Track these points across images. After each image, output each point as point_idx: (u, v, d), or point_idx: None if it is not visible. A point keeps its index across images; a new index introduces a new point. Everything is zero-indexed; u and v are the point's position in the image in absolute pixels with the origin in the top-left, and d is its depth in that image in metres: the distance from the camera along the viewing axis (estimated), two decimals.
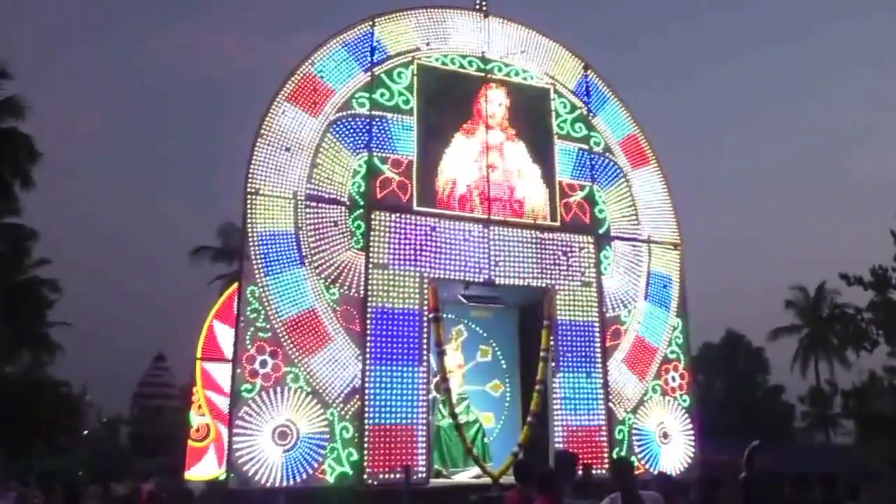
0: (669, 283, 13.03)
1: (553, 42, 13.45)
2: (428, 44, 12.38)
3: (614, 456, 11.50)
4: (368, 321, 10.64)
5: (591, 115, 13.28)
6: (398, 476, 10.07)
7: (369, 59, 11.86)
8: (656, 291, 12.88)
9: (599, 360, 11.97)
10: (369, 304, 10.71)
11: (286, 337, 10.15)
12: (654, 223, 13.19)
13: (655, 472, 11.14)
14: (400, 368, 10.64)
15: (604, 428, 11.73)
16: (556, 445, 11.27)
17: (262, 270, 10.26)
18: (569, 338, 11.91)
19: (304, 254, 10.53)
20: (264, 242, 10.37)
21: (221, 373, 13.53)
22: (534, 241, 12.04)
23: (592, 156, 13.01)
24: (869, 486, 23.33)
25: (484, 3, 13.13)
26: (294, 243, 10.52)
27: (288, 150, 10.93)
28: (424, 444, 10.59)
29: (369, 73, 11.77)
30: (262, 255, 10.31)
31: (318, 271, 10.54)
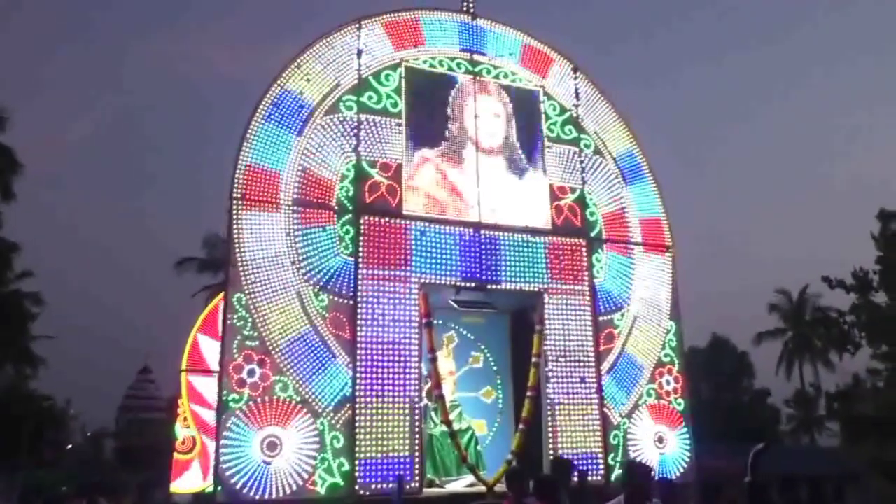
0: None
1: (542, 44, 13.33)
2: (416, 46, 12.24)
3: (610, 461, 11.38)
4: (359, 328, 10.44)
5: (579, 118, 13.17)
6: (391, 486, 9.87)
7: (357, 61, 11.69)
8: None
9: (593, 364, 11.80)
10: (359, 311, 10.51)
11: (274, 345, 9.94)
12: (646, 225, 13.07)
13: (656, 478, 10.98)
14: (391, 376, 10.44)
15: (598, 433, 11.56)
16: (550, 452, 11.11)
17: (248, 277, 10.05)
18: (561, 343, 11.74)
19: (291, 260, 10.33)
20: (250, 248, 10.17)
21: (207, 387, 13.32)
22: (525, 244, 11.88)
23: (583, 158, 12.88)
24: (854, 486, 23.41)
25: (472, 5, 13.00)
26: (281, 249, 10.33)
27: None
28: (417, 453, 10.39)
29: (357, 76, 11.60)
30: (249, 262, 10.10)
31: (306, 278, 10.35)
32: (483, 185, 11.94)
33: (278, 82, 11.08)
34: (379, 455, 10.07)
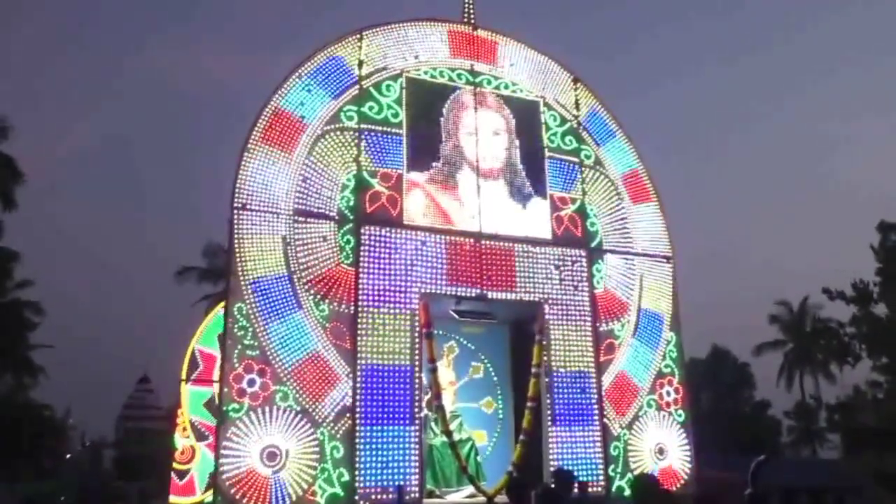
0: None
1: (542, 55, 13.36)
2: (416, 57, 12.27)
3: (611, 473, 11.38)
4: (359, 338, 10.44)
5: (581, 128, 13.17)
6: (391, 496, 9.87)
7: (357, 71, 11.72)
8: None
9: (594, 375, 11.78)
10: (360, 321, 10.51)
11: (274, 355, 9.94)
12: (646, 235, 13.06)
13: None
14: (391, 386, 10.44)
15: (599, 444, 11.54)
16: (551, 463, 11.09)
17: (249, 287, 10.06)
18: (562, 353, 11.73)
19: (292, 269, 10.33)
20: (252, 258, 10.17)
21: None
22: (525, 254, 11.88)
23: (583, 169, 12.88)
24: (855, 498, 23.31)
25: (472, 16, 13.04)
26: (282, 259, 10.33)
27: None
28: (417, 464, 10.38)
29: (357, 86, 11.63)
30: (250, 271, 10.11)
31: (306, 287, 10.35)
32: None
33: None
34: (379, 465, 10.06)
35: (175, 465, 14.16)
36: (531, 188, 12.41)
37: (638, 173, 13.40)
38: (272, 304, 10.12)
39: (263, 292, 10.11)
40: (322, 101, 11.32)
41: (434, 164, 11.84)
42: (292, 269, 10.33)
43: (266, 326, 10.00)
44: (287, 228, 10.50)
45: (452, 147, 12.11)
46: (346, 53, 11.76)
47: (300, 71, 11.33)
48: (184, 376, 14.05)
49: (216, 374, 11.68)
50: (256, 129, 10.78)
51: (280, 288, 10.21)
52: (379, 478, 10.02)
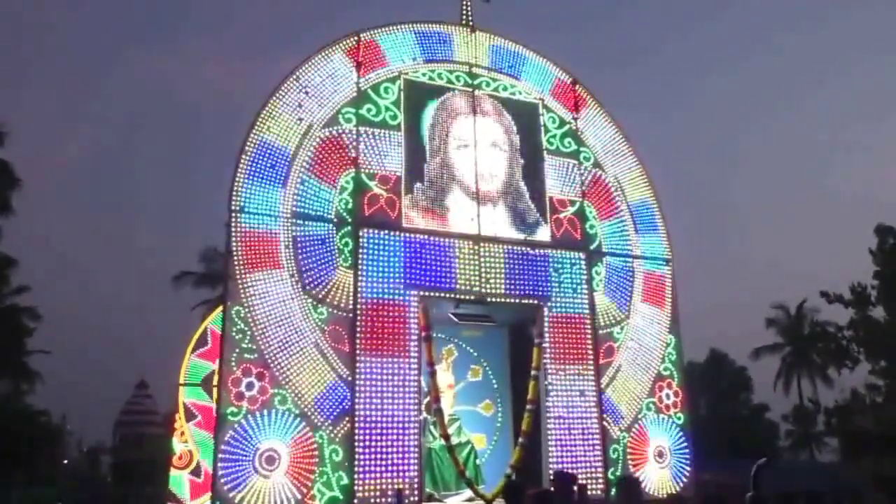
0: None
1: (541, 57, 13.33)
2: (414, 58, 12.24)
3: (610, 476, 11.34)
4: (357, 341, 10.41)
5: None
6: (390, 500, 9.84)
7: (355, 74, 11.68)
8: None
9: (593, 378, 11.75)
10: (358, 324, 10.48)
11: (273, 358, 9.90)
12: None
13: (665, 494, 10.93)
14: (390, 389, 10.40)
15: (598, 447, 11.50)
16: (550, 466, 11.06)
17: (247, 290, 10.02)
18: (561, 356, 11.69)
19: (290, 272, 10.30)
20: (249, 261, 10.14)
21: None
22: (525, 257, 11.85)
23: (582, 171, 12.85)
24: (853, 502, 23.31)
25: (471, 18, 13.01)
26: (280, 261, 10.30)
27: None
28: (416, 467, 10.34)
29: (356, 88, 11.60)
30: (247, 275, 10.07)
31: (305, 290, 10.32)
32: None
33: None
34: (378, 469, 10.02)
35: (173, 469, 14.14)
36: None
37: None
38: (270, 308, 10.09)
39: (261, 296, 10.09)
40: (319, 103, 11.29)
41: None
42: (290, 273, 10.31)
43: (264, 330, 9.97)
44: (285, 231, 10.47)
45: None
46: (343, 56, 11.72)
47: (297, 73, 11.30)
48: (181, 381, 14.02)
49: (215, 380, 11.65)
50: (254, 131, 10.74)
51: (278, 291, 10.19)
52: (378, 481, 9.98)
